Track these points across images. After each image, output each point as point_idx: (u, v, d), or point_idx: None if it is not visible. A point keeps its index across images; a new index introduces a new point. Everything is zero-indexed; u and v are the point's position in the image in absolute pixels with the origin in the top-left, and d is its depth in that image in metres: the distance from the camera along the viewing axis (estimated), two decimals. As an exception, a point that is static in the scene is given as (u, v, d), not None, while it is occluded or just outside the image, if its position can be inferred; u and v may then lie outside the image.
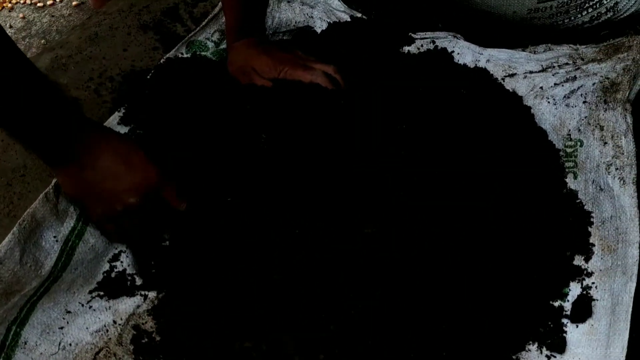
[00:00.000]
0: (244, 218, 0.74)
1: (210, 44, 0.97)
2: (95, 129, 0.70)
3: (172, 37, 0.98)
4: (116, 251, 0.78)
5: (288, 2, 1.05)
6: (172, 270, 0.77)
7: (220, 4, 1.00)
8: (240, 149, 0.79)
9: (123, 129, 0.85)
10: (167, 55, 0.94)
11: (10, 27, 1.33)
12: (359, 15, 1.05)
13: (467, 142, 0.81)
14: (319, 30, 1.03)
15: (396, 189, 0.72)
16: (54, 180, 0.76)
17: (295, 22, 1.04)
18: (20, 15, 1.36)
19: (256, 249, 0.72)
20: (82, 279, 0.76)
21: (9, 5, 1.42)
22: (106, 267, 0.77)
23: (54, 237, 0.74)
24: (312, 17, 1.05)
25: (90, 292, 0.75)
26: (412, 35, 1.00)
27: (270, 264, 0.71)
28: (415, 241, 0.70)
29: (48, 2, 1.33)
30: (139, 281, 0.77)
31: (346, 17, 1.05)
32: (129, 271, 0.78)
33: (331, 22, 1.04)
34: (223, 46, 0.97)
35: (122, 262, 0.78)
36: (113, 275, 0.77)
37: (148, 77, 0.91)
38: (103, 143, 0.69)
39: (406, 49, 1.00)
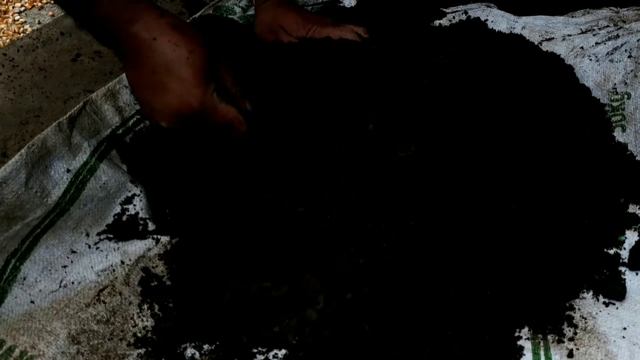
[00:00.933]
0: (267, 148, 0.68)
1: (237, 9, 0.95)
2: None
3: (199, 4, 0.97)
4: (129, 194, 0.73)
5: (317, -21, 1.05)
6: (188, 215, 0.72)
7: (249, -28, 0.99)
8: (265, 91, 0.75)
9: (144, 79, 0.82)
10: (193, 17, 0.92)
11: (39, 22, 1.35)
12: (389, -8, 1.03)
13: (509, 99, 0.76)
14: (347, 6, 1.02)
15: (438, 119, 0.67)
16: (68, 113, 0.72)
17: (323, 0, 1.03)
18: (50, 13, 1.39)
19: (279, 180, 0.67)
20: (91, 218, 0.70)
21: (39, 4, 1.45)
22: (117, 209, 0.72)
23: (66, 168, 0.70)
24: (341, -6, 1.04)
25: (99, 234, 0.70)
26: (443, 9, 0.98)
27: (295, 195, 0.65)
28: (458, 171, 0.63)
29: (78, 3, 1.36)
30: (151, 226, 0.72)
31: (376, -5, 1.03)
32: (141, 215, 0.72)
33: (360, -1, 1.02)
34: (250, 12, 0.95)
35: (134, 205, 0.73)
36: (124, 218, 0.72)
37: (173, 33, 0.88)
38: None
39: (437, 22, 0.97)
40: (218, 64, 0.67)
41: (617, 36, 0.83)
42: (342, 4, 1.02)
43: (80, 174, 0.70)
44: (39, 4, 1.45)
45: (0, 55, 0.84)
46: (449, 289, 0.60)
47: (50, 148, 0.69)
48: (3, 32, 1.34)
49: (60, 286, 0.65)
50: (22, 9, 1.43)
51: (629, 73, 0.79)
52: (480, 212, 0.63)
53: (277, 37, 0.85)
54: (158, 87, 0.65)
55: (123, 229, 0.71)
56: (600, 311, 0.61)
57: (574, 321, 0.61)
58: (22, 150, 0.66)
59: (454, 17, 0.96)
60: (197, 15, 0.92)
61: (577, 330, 0.60)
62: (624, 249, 0.66)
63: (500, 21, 0.92)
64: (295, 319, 0.62)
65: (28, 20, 1.38)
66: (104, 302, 0.64)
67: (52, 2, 1.45)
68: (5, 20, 1.38)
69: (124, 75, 0.82)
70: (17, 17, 1.41)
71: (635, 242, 0.65)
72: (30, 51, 0.86)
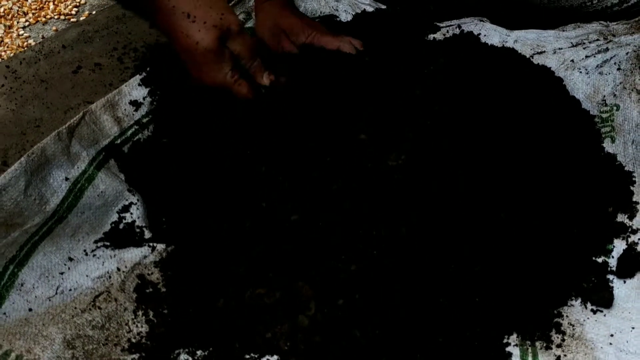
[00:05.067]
0: (262, 160, 0.70)
1: (235, 23, 0.97)
2: None
3: (198, 19, 0.98)
4: (126, 202, 0.74)
5: (314, -7, 1.07)
6: (184, 223, 0.73)
7: (248, -11, 1.01)
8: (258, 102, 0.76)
9: (143, 90, 0.84)
10: (192, 30, 0.94)
11: (43, 37, 1.37)
12: (384, 7, 1.05)
13: (500, 109, 0.77)
14: (343, 21, 1.04)
15: (428, 129, 0.68)
16: (67, 123, 0.74)
17: (321, 12, 1.05)
18: (53, 28, 1.41)
19: (274, 189, 0.68)
20: (89, 226, 0.71)
21: (44, 19, 1.47)
22: (115, 217, 0.73)
23: (64, 177, 0.71)
24: (337, 10, 1.06)
25: (96, 241, 0.71)
26: (438, 24, 1.00)
27: (289, 204, 0.66)
28: (448, 179, 0.65)
29: (81, 18, 1.39)
30: (148, 234, 0.73)
31: (371, 10, 1.05)
32: (138, 223, 0.73)
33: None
34: (249, 25, 0.97)
35: (132, 213, 0.74)
36: (121, 226, 0.73)
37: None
38: None
39: (432, 36, 0.99)
40: (231, 42, 0.72)
41: (607, 49, 0.84)
42: (338, 19, 1.04)
43: (78, 182, 0.72)
44: (43, 19, 1.47)
45: (3, 68, 0.86)
46: (439, 295, 0.61)
47: (50, 157, 0.70)
48: (7, 47, 1.37)
49: (56, 292, 0.66)
50: (27, 23, 1.45)
51: (617, 85, 0.80)
52: (471, 220, 0.64)
53: (279, 40, 0.86)
54: (188, 67, 0.74)
55: (120, 237, 0.72)
56: (588, 318, 0.62)
57: (562, 328, 0.62)
58: (22, 159, 0.68)
59: (447, 32, 0.98)
60: (195, 29, 0.94)
61: (565, 337, 0.61)
62: (612, 257, 0.67)
63: (492, 35, 0.94)
64: (287, 325, 0.63)
65: (32, 35, 1.41)
66: (100, 308, 0.65)
67: (57, 18, 1.48)
68: (9, 35, 1.40)
69: (123, 86, 0.84)
70: (21, 32, 1.43)
71: (624, 250, 0.66)
72: (33, 63, 0.87)
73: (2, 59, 1.32)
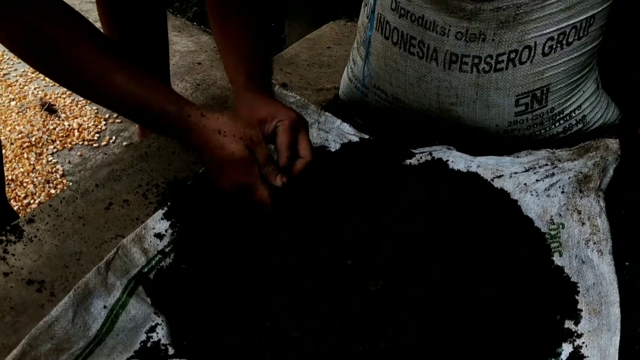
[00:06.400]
0: (266, 283, 0.84)
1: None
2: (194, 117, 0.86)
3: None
4: (153, 323, 0.88)
5: (307, 128, 1.25)
6: (202, 340, 0.86)
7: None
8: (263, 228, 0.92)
9: (165, 223, 0.99)
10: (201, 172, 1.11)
11: (69, 162, 1.55)
12: (367, 137, 1.23)
13: (464, 230, 0.93)
14: (333, 150, 1.21)
15: (401, 256, 0.83)
16: (105, 258, 0.89)
17: (314, 143, 1.22)
18: (78, 153, 1.59)
19: (277, 309, 0.82)
20: (122, 346, 0.85)
21: (69, 145, 1.66)
22: (143, 337, 0.87)
23: (103, 305, 0.85)
24: (327, 140, 1.24)
25: (128, 359, 0.84)
26: (412, 150, 1.17)
27: (290, 322, 0.80)
28: (418, 297, 0.79)
29: (102, 143, 1.57)
30: (171, 351, 0.86)
31: (356, 139, 1.23)
32: (163, 341, 0.87)
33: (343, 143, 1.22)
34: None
35: (157, 333, 0.87)
36: (149, 345, 0.86)
37: (189, 183, 1.07)
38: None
39: (408, 161, 1.16)
40: (256, 151, 0.88)
41: (553, 174, 1.01)
42: (329, 148, 1.22)
43: (114, 309, 0.86)
44: (69, 146, 1.67)
45: (47, 207, 1.02)
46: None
47: (91, 289, 0.85)
48: (38, 173, 1.54)
49: (96, 407, 0.79)
50: (55, 150, 1.64)
51: (562, 206, 0.96)
52: (438, 332, 0.77)
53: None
54: (219, 173, 0.90)
55: (148, 354, 0.85)
56: (541, 414, 0.74)
57: None
58: (70, 293, 0.82)
59: (421, 158, 1.15)
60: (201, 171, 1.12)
61: None
62: (561, 359, 0.79)
63: (459, 161, 1.11)
64: None
65: (59, 161, 1.59)
66: (133, 419, 0.77)
67: (81, 144, 1.66)
68: (40, 162, 1.59)
69: (148, 221, 0.99)
70: (50, 158, 1.62)
71: (570, 353, 0.79)
72: (71, 202, 1.04)
73: (34, 184, 1.50)
